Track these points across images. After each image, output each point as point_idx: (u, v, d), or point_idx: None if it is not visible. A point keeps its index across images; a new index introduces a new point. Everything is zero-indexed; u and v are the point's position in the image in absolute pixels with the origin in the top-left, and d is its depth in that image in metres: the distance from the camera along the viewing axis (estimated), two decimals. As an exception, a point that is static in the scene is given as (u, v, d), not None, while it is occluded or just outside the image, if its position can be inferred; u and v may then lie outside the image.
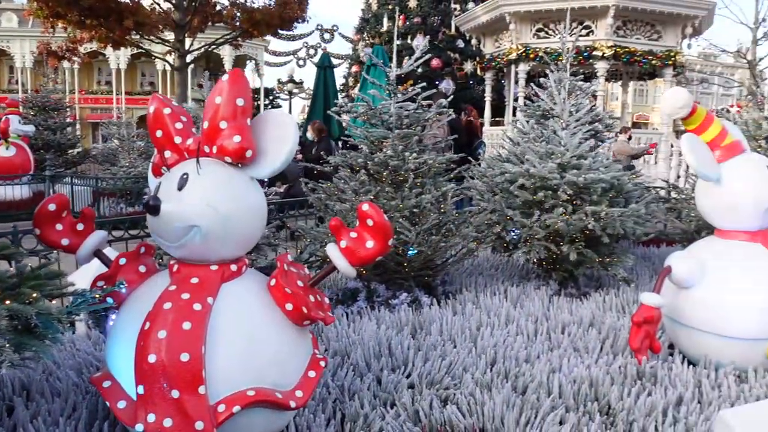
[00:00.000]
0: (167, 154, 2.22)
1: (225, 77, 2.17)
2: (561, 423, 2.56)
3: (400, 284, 4.23)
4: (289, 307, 2.20)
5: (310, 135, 9.17)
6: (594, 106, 6.37)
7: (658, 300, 2.98)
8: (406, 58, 18.70)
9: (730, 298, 2.96)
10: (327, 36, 29.19)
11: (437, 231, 4.07)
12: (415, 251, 4.02)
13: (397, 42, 18.19)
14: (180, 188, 2.08)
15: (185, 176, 2.09)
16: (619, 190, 4.34)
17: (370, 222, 2.20)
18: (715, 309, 2.99)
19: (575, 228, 4.04)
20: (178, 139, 2.20)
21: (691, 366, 3.14)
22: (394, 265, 4.07)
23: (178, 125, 2.22)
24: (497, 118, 15.20)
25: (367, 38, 20.98)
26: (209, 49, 17.31)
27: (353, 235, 2.26)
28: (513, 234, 4.25)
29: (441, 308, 3.99)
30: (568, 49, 6.49)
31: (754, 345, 2.95)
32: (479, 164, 5.90)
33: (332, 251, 2.29)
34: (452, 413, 2.59)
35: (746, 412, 2.05)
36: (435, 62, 18.08)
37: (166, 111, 2.21)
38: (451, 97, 9.35)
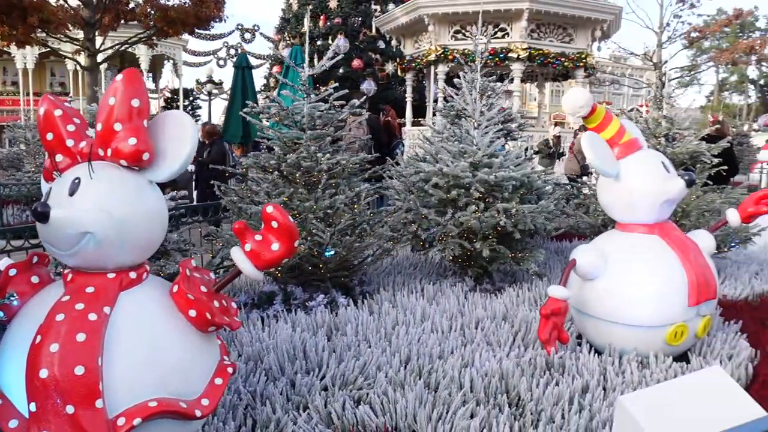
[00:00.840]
0: (59, 157, 2.11)
1: (119, 77, 2.08)
2: (472, 417, 2.60)
3: (317, 286, 4.20)
4: (192, 313, 2.13)
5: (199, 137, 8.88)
6: (509, 106, 6.55)
7: (564, 292, 3.08)
8: (326, 58, 18.46)
9: (630, 288, 3.10)
10: (248, 36, 28.72)
11: (352, 231, 4.06)
12: (332, 252, 4.00)
13: (318, 42, 18.04)
14: (71, 193, 1.97)
15: (77, 181, 1.99)
16: (530, 187, 4.47)
17: (274, 224, 2.16)
18: (617, 299, 3.13)
19: (487, 225, 4.13)
20: (70, 142, 2.09)
21: (597, 354, 3.27)
22: (310, 267, 4.03)
23: (71, 127, 2.11)
24: (418, 119, 15.38)
25: (287, 38, 20.78)
26: (122, 49, 16.64)
27: (258, 237, 2.21)
28: (429, 232, 4.29)
29: (358, 308, 3.99)
30: (480, 50, 6.66)
31: (653, 332, 3.10)
32: (397, 164, 5.93)
33: (237, 255, 2.23)
34: (365, 413, 2.59)
35: (644, 396, 2.14)
36: (356, 63, 18.12)
37: (57, 113, 2.09)
38: (365, 98, 9.44)
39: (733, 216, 3.51)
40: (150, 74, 30.57)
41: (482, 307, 4.03)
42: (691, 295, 3.05)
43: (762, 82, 44.80)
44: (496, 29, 12.20)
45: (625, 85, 38.77)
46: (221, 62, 28.86)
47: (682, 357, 3.31)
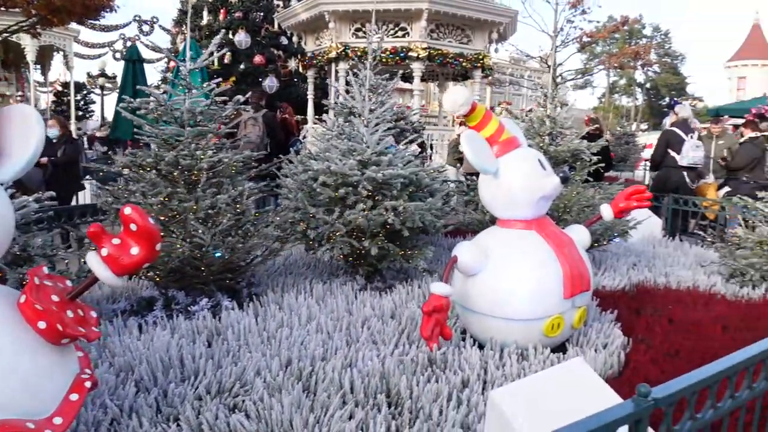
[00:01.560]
0: None
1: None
2: (350, 418, 2.55)
3: (201, 289, 4.02)
4: (41, 325, 1.95)
5: (51, 132, 7.85)
6: (407, 104, 6.57)
7: (446, 289, 3.09)
8: (228, 54, 17.83)
9: (508, 283, 3.16)
10: (146, 28, 27.47)
11: (235, 232, 3.91)
12: (220, 254, 3.84)
13: (218, 37, 17.44)
14: None
15: None
16: (419, 185, 4.48)
17: (133, 227, 2.01)
18: (497, 294, 3.18)
19: (376, 223, 4.11)
20: None
21: (480, 349, 3.32)
22: (191, 270, 3.85)
23: None
24: (320, 116, 15.28)
25: (186, 32, 20.04)
26: (3, 38, 15.45)
27: (116, 241, 2.04)
28: (317, 231, 4.22)
29: (243, 312, 3.85)
30: (373, 48, 6.65)
31: (531, 324, 3.18)
32: (290, 162, 5.81)
33: (92, 260, 2.05)
34: (238, 421, 2.48)
35: (512, 390, 2.17)
36: (258, 59, 17.72)
37: None
38: (261, 93, 9.25)
39: (606, 211, 3.66)
40: (38, 66, 28.64)
41: (371, 305, 4.00)
42: (566, 287, 3.15)
43: (648, 85, 47.95)
44: (397, 28, 12.28)
45: (524, 87, 40.32)
46: (117, 55, 27.45)
47: (560, 347, 3.41)
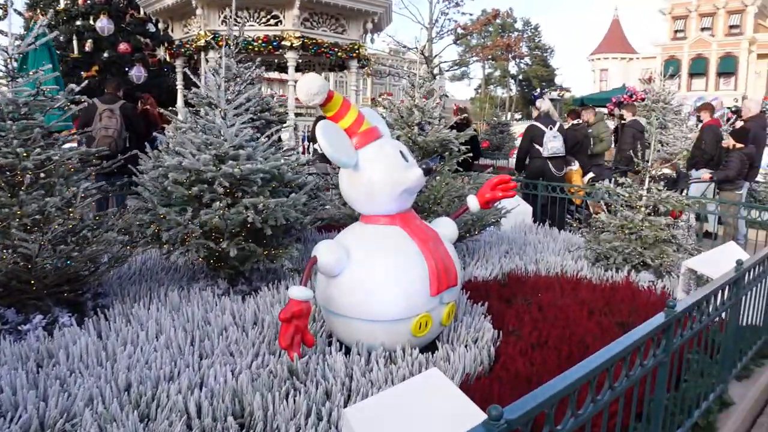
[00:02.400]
0: None
1: None
2: (195, 448, 2.26)
3: (34, 305, 3.53)
4: None
5: None
6: (274, 95, 6.23)
7: (305, 293, 2.85)
8: (89, 41, 16.54)
9: (372, 282, 2.97)
10: None
11: (71, 239, 3.45)
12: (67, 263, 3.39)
13: (77, 22, 16.04)
14: None
15: None
16: (281, 179, 4.20)
17: None
18: (360, 294, 2.98)
19: (234, 222, 3.78)
20: None
21: (346, 354, 3.12)
22: (19, 284, 3.35)
23: None
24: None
25: (41, 16, 18.33)
26: None
27: None
28: (170, 233, 3.83)
29: (83, 329, 3.40)
30: (234, 36, 6.26)
31: (398, 325, 3.01)
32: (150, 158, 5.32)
33: None
34: (56, 466, 2.11)
35: (366, 407, 1.97)
36: (123, 47, 16.51)
37: None
38: (117, 83, 8.54)
39: (472, 202, 3.57)
40: None
41: (231, 312, 3.69)
42: (433, 284, 3.01)
43: (521, 77, 50.21)
44: (269, 16, 11.82)
45: (404, 78, 40.83)
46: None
47: (431, 346, 3.28)
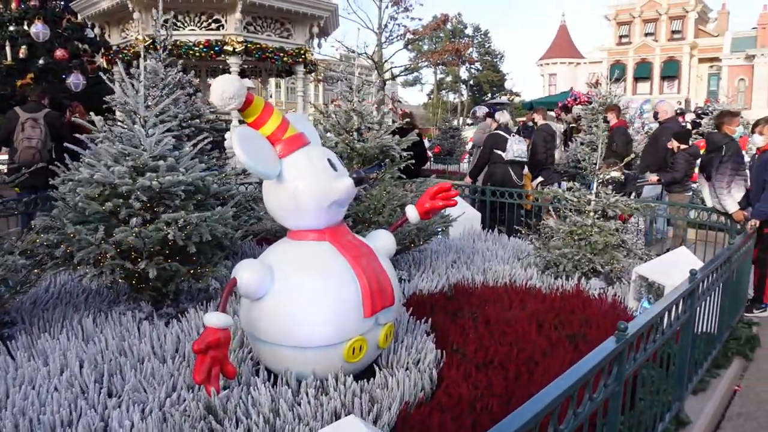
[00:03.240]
0: None
1: None
2: None
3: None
4: None
5: None
6: (195, 100, 5.90)
7: (222, 320, 2.55)
8: (23, 47, 15.77)
9: (299, 305, 2.69)
10: None
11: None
12: None
13: (11, 28, 15.28)
14: None
15: None
16: (207, 192, 3.88)
17: None
18: (286, 319, 2.70)
19: (153, 240, 3.44)
20: None
21: (274, 384, 2.82)
22: None
23: None
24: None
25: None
26: None
27: None
28: (80, 254, 3.46)
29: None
30: (161, 39, 5.92)
31: (329, 351, 2.74)
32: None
33: None
34: None
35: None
36: (59, 53, 15.77)
37: None
38: (40, 91, 8.05)
39: (411, 213, 3.32)
40: None
41: (151, 339, 3.34)
42: (366, 305, 2.75)
43: (471, 82, 50.61)
44: (210, 20, 11.42)
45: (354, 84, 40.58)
46: None
47: (368, 370, 3.01)
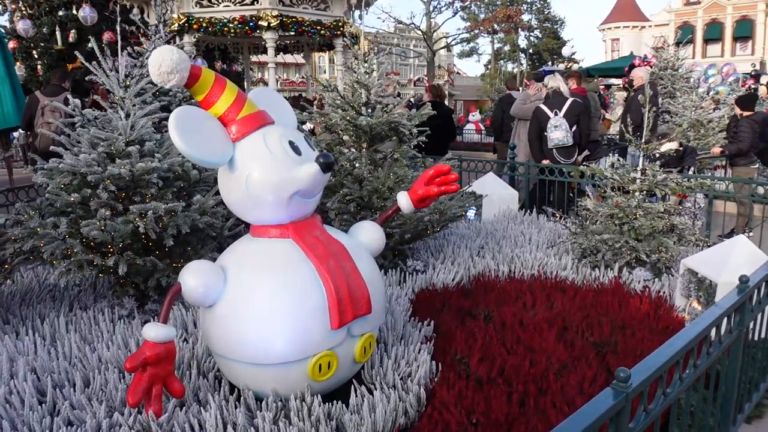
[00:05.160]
0: None
1: None
2: None
3: None
4: None
5: None
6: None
7: (164, 332, 2.19)
8: (73, 32, 15.99)
9: (251, 316, 2.29)
10: None
11: None
12: None
13: (60, 12, 15.46)
14: None
15: None
16: (188, 179, 3.52)
17: None
18: (237, 331, 2.30)
19: (122, 233, 3.11)
20: None
21: (239, 399, 2.45)
22: None
23: None
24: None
25: (23, 8, 17.78)
26: None
27: None
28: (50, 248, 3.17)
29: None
30: (160, 15, 5.60)
31: (290, 368, 2.33)
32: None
33: None
34: None
35: None
36: (107, 36, 15.93)
37: None
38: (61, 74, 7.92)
39: (403, 200, 2.85)
40: None
41: (122, 341, 3.03)
42: (333, 315, 2.32)
43: (531, 51, 48.81)
44: (244, -6, 11.08)
45: (411, 57, 39.79)
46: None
47: (344, 388, 2.58)
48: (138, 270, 3.29)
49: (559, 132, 6.44)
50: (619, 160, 4.99)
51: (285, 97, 3.20)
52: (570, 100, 6.65)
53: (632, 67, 12.64)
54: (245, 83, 14.84)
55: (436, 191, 2.80)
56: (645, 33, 40.69)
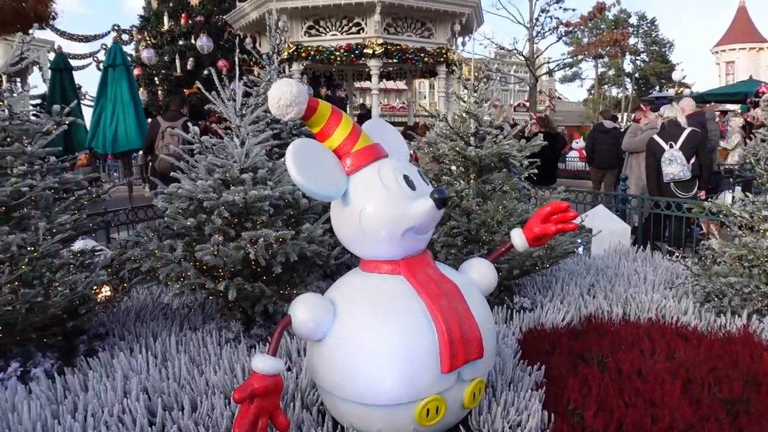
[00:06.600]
0: None
1: None
2: None
3: (25, 350, 3.13)
4: None
5: None
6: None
7: (272, 365, 2.17)
8: (191, 59, 16.96)
9: (360, 355, 2.23)
10: (126, 37, 26.54)
11: (39, 281, 2.97)
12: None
13: (180, 42, 16.50)
14: None
15: None
16: (298, 207, 3.56)
17: None
18: (345, 369, 2.25)
19: (233, 259, 3.17)
20: None
21: (343, 438, 2.40)
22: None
23: None
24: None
25: (148, 39, 19.18)
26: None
27: None
28: (166, 270, 3.29)
29: (55, 382, 2.93)
30: (276, 44, 5.80)
31: (397, 411, 2.25)
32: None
33: None
34: None
35: None
36: (222, 63, 16.86)
37: None
38: (180, 100, 8.36)
39: (518, 238, 2.72)
40: (17, 78, 27.55)
41: (229, 366, 3.07)
42: (444, 358, 2.22)
43: (637, 75, 46.99)
44: (350, 24, 11.36)
45: (511, 83, 39.34)
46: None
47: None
48: (246, 295, 3.34)
49: (674, 166, 6.08)
50: (746, 195, 4.60)
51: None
52: (687, 130, 6.28)
53: (757, 93, 11.81)
54: (348, 108, 15.18)
55: (554, 230, 2.66)
56: (763, 55, 38.10)
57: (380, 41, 11.07)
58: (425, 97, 41.83)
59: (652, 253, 5.75)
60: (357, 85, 18.06)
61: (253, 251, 3.16)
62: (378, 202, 2.26)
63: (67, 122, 3.40)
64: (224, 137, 3.82)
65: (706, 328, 3.83)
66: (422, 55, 11.62)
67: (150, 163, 7.82)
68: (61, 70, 10.01)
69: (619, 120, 21.23)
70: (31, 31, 10.29)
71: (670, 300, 4.31)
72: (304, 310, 2.27)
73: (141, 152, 11.84)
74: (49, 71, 10.31)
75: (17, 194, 3.01)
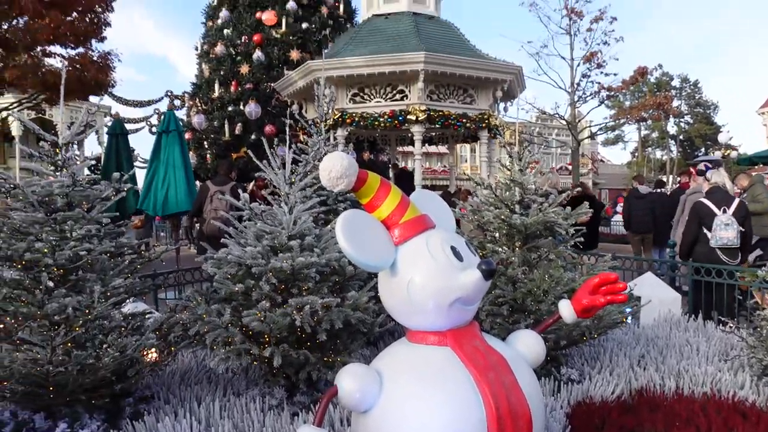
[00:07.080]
0: None
1: None
2: None
3: (65, 410, 3.18)
4: None
5: None
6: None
7: (318, 435, 2.16)
8: (239, 125, 17.57)
9: (410, 427, 2.20)
10: (177, 102, 27.80)
11: (91, 343, 3.05)
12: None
13: (229, 108, 17.13)
14: None
15: None
16: (343, 274, 3.59)
17: None
18: (393, 441, 2.22)
19: (279, 325, 3.20)
20: None
21: None
22: (36, 389, 3.00)
23: None
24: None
25: (199, 104, 20.02)
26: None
27: None
28: (213, 335, 3.34)
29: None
30: (323, 112, 5.96)
31: (446, 484, 2.19)
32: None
33: None
34: None
35: None
36: (269, 129, 17.43)
37: None
38: (227, 163, 8.64)
39: (566, 310, 2.68)
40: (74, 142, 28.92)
41: (271, 436, 3.07)
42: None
43: (681, 137, 46.54)
44: (394, 91, 11.68)
45: (553, 146, 39.41)
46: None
47: None
48: (291, 362, 3.35)
49: (730, 231, 5.96)
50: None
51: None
52: (738, 200, 6.23)
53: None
54: (390, 173, 15.40)
55: (603, 301, 2.61)
56: (812, 115, 37.29)
57: (423, 107, 11.31)
58: (466, 161, 42.18)
59: (705, 322, 5.56)
60: (399, 149, 18.34)
61: (299, 318, 3.20)
62: (426, 273, 2.28)
63: (125, 189, 3.55)
64: (272, 203, 3.92)
65: (765, 403, 3.66)
66: (464, 120, 11.80)
67: (198, 225, 8.03)
68: (118, 135, 10.49)
69: (665, 183, 20.99)
70: (92, 98, 10.88)
71: (725, 373, 4.14)
72: (350, 380, 2.27)
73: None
74: (106, 135, 10.81)
75: (75, 257, 3.13)
